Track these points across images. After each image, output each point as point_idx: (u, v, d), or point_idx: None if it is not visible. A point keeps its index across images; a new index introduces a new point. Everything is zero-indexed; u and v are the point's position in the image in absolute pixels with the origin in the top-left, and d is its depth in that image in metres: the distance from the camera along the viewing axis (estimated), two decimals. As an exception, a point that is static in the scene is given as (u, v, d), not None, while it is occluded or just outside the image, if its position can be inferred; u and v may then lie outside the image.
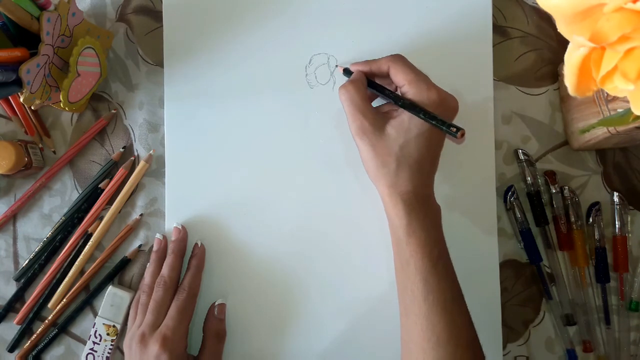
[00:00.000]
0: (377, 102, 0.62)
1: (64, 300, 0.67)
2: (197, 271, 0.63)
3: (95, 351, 0.65)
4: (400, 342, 0.56)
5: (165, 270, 0.62)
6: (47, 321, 0.67)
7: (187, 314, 0.60)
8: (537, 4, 0.43)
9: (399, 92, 0.59)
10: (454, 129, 0.53)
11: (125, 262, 0.67)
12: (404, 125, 0.55)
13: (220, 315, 0.64)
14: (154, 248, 0.65)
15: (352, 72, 0.61)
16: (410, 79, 0.56)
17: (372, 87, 0.60)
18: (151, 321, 0.59)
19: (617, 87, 0.41)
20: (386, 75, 0.59)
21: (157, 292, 0.61)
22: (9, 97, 0.68)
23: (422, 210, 0.55)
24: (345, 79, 0.62)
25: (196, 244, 0.65)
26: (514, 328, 0.66)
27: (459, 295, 0.54)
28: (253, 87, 0.66)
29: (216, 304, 0.64)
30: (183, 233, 0.65)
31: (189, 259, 0.65)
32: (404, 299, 0.55)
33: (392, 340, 0.63)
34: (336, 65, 0.66)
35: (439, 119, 0.54)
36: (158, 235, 0.65)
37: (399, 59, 0.58)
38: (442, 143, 0.58)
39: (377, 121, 0.56)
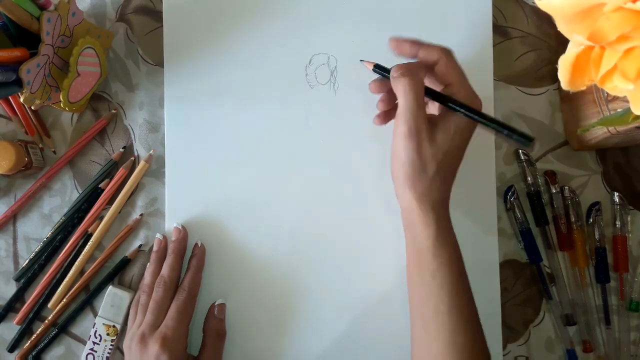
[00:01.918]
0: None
1: (64, 300, 0.67)
2: (197, 271, 0.63)
3: (95, 351, 0.65)
4: (413, 349, 0.55)
5: (165, 270, 0.62)
6: (47, 321, 0.67)
7: (187, 314, 0.60)
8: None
9: (433, 86, 0.55)
10: (524, 139, 0.50)
11: (125, 262, 0.67)
12: (450, 132, 0.52)
13: (220, 315, 0.64)
14: (154, 248, 0.65)
15: (384, 69, 0.56)
16: (462, 79, 0.53)
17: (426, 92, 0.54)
18: (151, 321, 0.59)
19: (617, 86, 0.41)
20: (429, 66, 0.54)
21: (157, 292, 0.61)
22: (9, 97, 0.68)
23: (448, 220, 0.54)
24: (374, 75, 0.58)
25: (196, 244, 0.65)
26: (514, 328, 0.66)
27: (476, 313, 0.53)
28: (253, 87, 0.66)
29: (216, 303, 0.64)
30: (183, 233, 0.65)
31: (189, 259, 0.65)
32: (423, 313, 0.53)
33: (392, 340, 0.63)
34: (361, 60, 0.59)
35: (509, 127, 0.50)
36: (158, 235, 0.65)
37: (451, 53, 0.54)
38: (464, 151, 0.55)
39: (429, 123, 0.52)
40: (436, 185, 0.52)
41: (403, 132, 0.51)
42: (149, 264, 0.65)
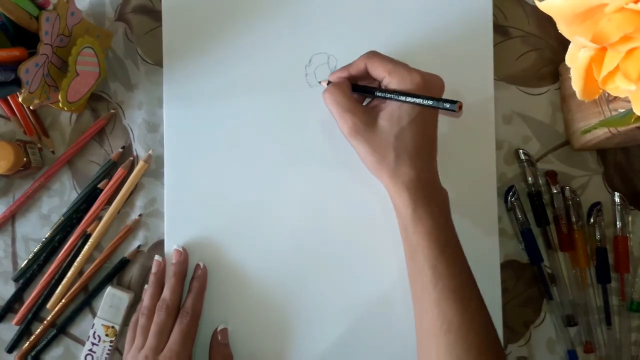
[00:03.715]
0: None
1: (63, 300, 0.66)
2: (199, 293, 0.63)
3: (94, 352, 0.65)
4: (415, 330, 0.56)
5: (166, 293, 0.62)
6: (45, 322, 0.67)
7: (190, 337, 0.60)
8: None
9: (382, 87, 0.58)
10: (449, 104, 0.52)
11: (124, 263, 0.67)
12: (395, 114, 0.55)
13: (224, 340, 0.63)
14: (153, 270, 0.64)
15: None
16: (389, 68, 0.56)
17: (357, 91, 0.59)
18: (154, 345, 0.58)
19: (619, 87, 0.41)
20: (366, 75, 0.58)
21: (159, 315, 0.60)
22: (8, 97, 0.68)
23: (427, 196, 0.54)
24: None
25: (198, 265, 0.64)
26: (514, 329, 0.66)
27: (469, 280, 0.54)
28: (253, 87, 0.66)
29: (218, 329, 0.63)
30: (184, 256, 0.65)
31: (190, 280, 0.64)
32: (415, 288, 0.55)
33: (395, 343, 0.63)
34: (319, 82, 0.65)
35: (432, 97, 0.53)
36: (157, 257, 0.65)
37: (373, 54, 0.58)
38: (436, 124, 0.57)
39: (368, 117, 0.56)
40: (404, 165, 0.54)
41: (346, 135, 0.57)
42: (147, 286, 0.64)
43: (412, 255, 0.55)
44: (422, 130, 0.55)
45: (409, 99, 0.54)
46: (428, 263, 0.53)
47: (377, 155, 0.55)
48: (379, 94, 0.57)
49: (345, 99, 0.57)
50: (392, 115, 0.55)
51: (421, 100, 0.53)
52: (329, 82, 0.61)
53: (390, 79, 0.56)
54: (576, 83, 0.44)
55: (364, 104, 0.61)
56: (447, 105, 0.52)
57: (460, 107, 0.52)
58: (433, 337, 0.52)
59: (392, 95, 0.55)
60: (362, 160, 0.57)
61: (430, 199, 0.54)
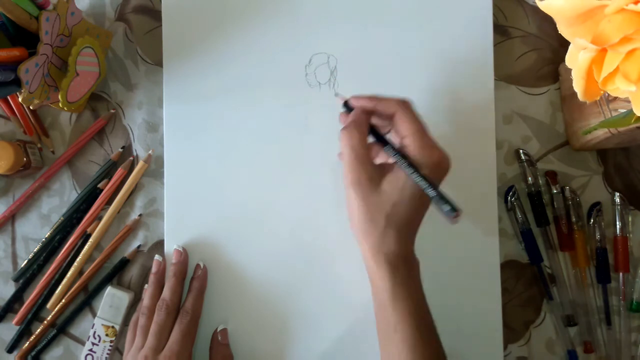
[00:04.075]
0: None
1: (63, 300, 0.66)
2: (199, 293, 0.63)
3: (94, 352, 0.65)
4: None
5: (166, 293, 0.62)
6: (45, 322, 0.67)
7: (190, 337, 0.60)
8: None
9: (393, 139, 0.55)
10: (449, 208, 0.50)
11: (124, 263, 0.67)
12: (400, 183, 0.51)
13: (224, 340, 0.63)
14: (153, 270, 0.65)
15: (351, 107, 0.56)
16: (417, 129, 0.52)
17: (374, 135, 0.55)
18: (154, 345, 0.58)
19: (619, 88, 0.41)
20: (387, 118, 0.55)
21: (159, 315, 0.60)
22: (8, 97, 0.68)
23: (406, 271, 0.52)
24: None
25: (198, 265, 0.64)
26: (514, 329, 0.66)
27: (443, 356, 0.53)
28: (253, 87, 0.66)
29: (218, 330, 0.64)
30: (184, 256, 0.65)
31: (190, 280, 0.64)
32: None
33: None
34: (336, 95, 0.61)
35: (437, 190, 0.50)
36: (157, 257, 0.65)
37: (408, 105, 0.54)
38: (429, 204, 0.54)
39: (374, 174, 0.52)
40: (389, 239, 0.51)
41: (347, 181, 0.53)
42: (147, 285, 0.64)
43: (388, 333, 0.52)
44: (418, 208, 0.52)
45: (416, 177, 0.51)
46: (407, 344, 0.51)
47: (367, 216, 0.51)
48: (390, 152, 0.53)
49: (362, 147, 0.53)
50: (397, 182, 0.51)
51: (426, 186, 0.50)
52: (345, 103, 0.57)
53: (412, 142, 0.52)
54: (577, 84, 0.44)
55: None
56: (447, 209, 0.50)
57: (457, 216, 0.50)
58: None
59: (401, 162, 0.52)
60: (350, 213, 0.53)
61: (408, 275, 0.52)
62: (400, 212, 0.51)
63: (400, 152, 0.52)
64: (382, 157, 0.55)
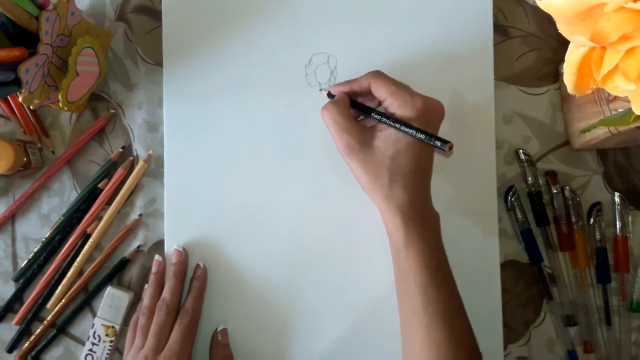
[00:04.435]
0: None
1: (63, 300, 0.66)
2: (199, 293, 0.63)
3: (94, 352, 0.65)
4: (402, 352, 0.56)
5: (166, 293, 0.62)
6: (45, 322, 0.67)
7: (191, 337, 0.60)
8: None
9: (382, 107, 0.58)
10: (440, 142, 0.53)
11: (124, 263, 0.67)
12: (392, 137, 0.55)
13: (224, 340, 0.63)
14: (153, 270, 0.65)
15: (335, 94, 0.61)
16: (392, 90, 0.56)
17: (355, 107, 0.60)
18: (154, 345, 0.58)
19: (618, 86, 0.41)
20: (368, 93, 0.59)
21: (159, 315, 0.60)
22: (8, 97, 0.68)
23: (420, 220, 0.54)
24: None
25: (198, 265, 0.64)
26: (514, 329, 0.66)
27: (458, 305, 0.54)
28: (253, 87, 0.66)
29: (218, 330, 0.64)
30: (184, 256, 0.65)
31: (190, 280, 0.64)
32: (404, 310, 0.55)
33: (395, 344, 0.63)
34: (320, 90, 0.65)
35: (425, 132, 0.54)
36: (157, 257, 0.65)
37: (378, 74, 0.58)
38: (433, 151, 0.58)
39: (364, 137, 0.56)
40: (397, 188, 0.54)
41: (341, 154, 0.57)
42: (147, 285, 0.64)
43: (402, 279, 0.55)
44: (418, 155, 0.55)
45: (403, 127, 0.54)
46: (419, 287, 0.53)
47: (371, 175, 0.55)
48: (375, 116, 0.57)
49: (343, 117, 0.57)
50: (389, 137, 0.55)
51: (414, 132, 0.54)
52: (329, 93, 0.61)
53: (392, 101, 0.56)
54: (568, 78, 0.44)
55: (358, 119, 0.61)
56: (438, 144, 0.53)
57: (450, 148, 0.53)
58: None
59: (387, 120, 0.56)
60: (357, 180, 0.57)
61: (422, 223, 0.55)
62: (400, 163, 0.55)
63: (384, 113, 0.57)
64: (371, 123, 0.59)
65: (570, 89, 0.44)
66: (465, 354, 0.53)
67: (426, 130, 0.54)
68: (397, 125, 0.55)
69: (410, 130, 0.54)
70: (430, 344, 0.52)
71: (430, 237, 0.55)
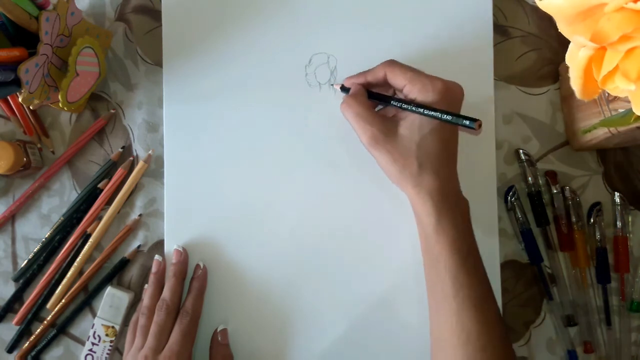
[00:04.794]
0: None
1: (63, 300, 0.66)
2: (199, 294, 0.63)
3: (94, 352, 0.65)
4: (430, 338, 0.56)
5: (166, 293, 0.62)
6: (45, 322, 0.67)
7: (191, 337, 0.60)
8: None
9: (400, 96, 0.58)
10: (468, 121, 0.52)
11: (124, 263, 0.67)
12: (416, 123, 0.55)
13: (224, 340, 0.63)
14: (153, 270, 0.64)
15: (349, 87, 0.61)
16: (410, 76, 0.56)
17: (372, 98, 0.59)
18: (154, 345, 0.58)
19: (618, 87, 0.41)
20: (383, 83, 0.59)
21: (159, 315, 0.60)
22: (8, 97, 0.68)
23: (451, 206, 0.54)
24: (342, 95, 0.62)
25: (198, 265, 0.64)
26: (514, 329, 0.66)
27: (489, 292, 0.54)
28: (253, 87, 0.66)
29: (218, 330, 0.63)
30: (184, 256, 0.65)
31: (190, 281, 0.64)
32: (435, 296, 0.55)
33: (397, 342, 0.63)
34: (332, 85, 0.65)
35: (451, 113, 0.53)
36: (157, 257, 0.65)
37: (393, 62, 0.58)
38: (457, 134, 0.57)
39: (387, 126, 0.56)
40: (427, 174, 0.54)
41: (366, 144, 0.57)
42: (147, 285, 0.64)
43: (433, 264, 0.55)
44: (444, 139, 0.55)
45: (427, 111, 0.54)
46: (449, 273, 0.53)
47: (398, 164, 0.55)
48: (395, 103, 0.57)
49: (364, 109, 0.57)
50: (413, 123, 0.55)
51: (439, 114, 0.53)
52: (342, 87, 0.61)
53: (411, 87, 0.55)
54: (575, 82, 0.44)
55: (376, 109, 0.61)
56: (467, 123, 0.52)
57: (480, 126, 0.52)
58: (451, 347, 0.52)
59: (409, 106, 0.55)
60: (384, 170, 0.57)
61: (453, 209, 0.54)
62: (427, 149, 0.54)
63: (405, 100, 0.56)
64: (392, 112, 0.59)
65: (578, 94, 0.44)
66: (495, 342, 0.52)
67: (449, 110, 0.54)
68: (421, 110, 0.54)
69: (435, 113, 0.53)
70: (461, 330, 0.52)
71: (461, 223, 0.55)
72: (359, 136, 0.57)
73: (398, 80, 0.56)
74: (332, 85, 0.65)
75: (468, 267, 0.53)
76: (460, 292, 0.52)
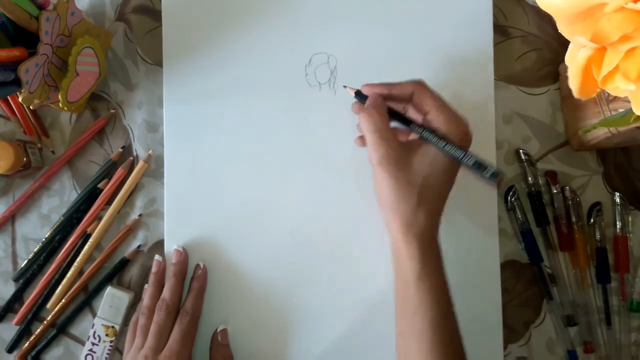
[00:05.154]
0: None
1: (63, 300, 0.66)
2: (199, 293, 0.63)
3: (94, 352, 0.65)
4: None
5: (166, 293, 0.62)
6: (45, 322, 0.67)
7: (190, 337, 0.60)
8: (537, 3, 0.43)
9: (416, 119, 0.55)
10: (490, 173, 0.50)
11: (124, 263, 0.67)
12: (430, 155, 0.51)
13: (224, 340, 0.63)
14: (153, 270, 0.64)
15: (365, 95, 0.56)
16: (438, 105, 0.52)
17: (391, 114, 0.55)
18: (154, 345, 0.58)
19: (618, 87, 0.41)
20: (406, 100, 0.55)
21: (159, 315, 0.60)
22: (8, 97, 0.68)
23: (435, 253, 0.52)
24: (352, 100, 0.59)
25: (198, 265, 0.64)
26: (514, 329, 0.66)
27: (461, 342, 0.53)
28: (252, 87, 0.66)
29: (218, 330, 0.64)
30: (184, 256, 0.65)
31: (190, 280, 0.64)
32: (406, 346, 0.52)
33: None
34: (344, 86, 0.59)
35: (476, 157, 0.50)
36: (157, 257, 0.65)
37: (424, 83, 0.54)
38: (454, 178, 0.54)
39: (402, 152, 0.52)
40: (421, 216, 0.51)
41: (375, 161, 0.52)
42: (147, 285, 0.64)
43: (409, 314, 0.52)
44: (448, 180, 0.53)
45: (448, 147, 0.51)
46: (427, 327, 0.50)
47: (398, 194, 0.51)
48: (417, 129, 0.53)
49: (384, 125, 0.52)
50: (427, 155, 0.52)
51: (461, 154, 0.50)
52: (357, 92, 0.57)
53: (437, 116, 0.52)
54: (573, 81, 0.44)
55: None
56: (488, 174, 0.50)
57: (502, 181, 0.50)
58: None
59: (432, 136, 0.51)
60: (379, 192, 0.53)
61: (437, 256, 0.52)
62: (431, 187, 0.51)
63: (428, 127, 0.52)
64: (404, 138, 0.56)
65: (576, 93, 0.44)
66: None
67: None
68: (443, 144, 0.51)
69: (458, 153, 0.50)
70: None
71: (440, 271, 0.52)
72: (369, 149, 0.53)
73: (425, 103, 0.53)
74: (344, 86, 0.59)
75: (449, 320, 0.51)
76: (437, 348, 0.50)
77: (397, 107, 0.56)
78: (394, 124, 0.55)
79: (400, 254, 0.52)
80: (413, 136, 0.56)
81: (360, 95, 0.57)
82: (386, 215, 0.53)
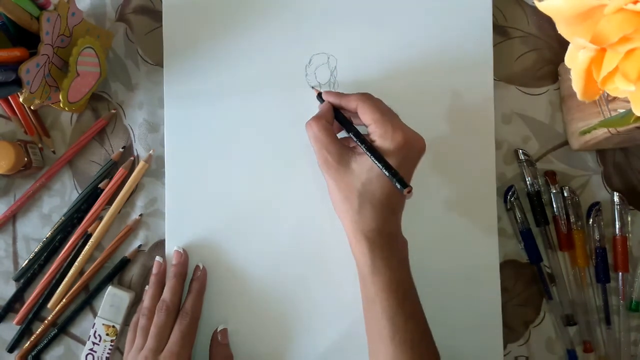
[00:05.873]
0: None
1: (64, 300, 0.67)
2: (199, 295, 0.63)
3: (95, 351, 0.65)
4: None
5: (166, 294, 0.62)
6: (46, 321, 0.67)
7: (190, 338, 0.60)
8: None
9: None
10: (399, 184, 0.53)
11: (125, 263, 0.67)
12: (368, 163, 0.55)
13: (224, 340, 0.64)
14: (154, 271, 0.65)
15: (322, 100, 0.61)
16: (377, 118, 0.55)
17: (339, 120, 0.60)
18: (154, 346, 0.58)
19: (618, 87, 0.41)
20: (355, 113, 0.58)
21: (159, 316, 0.60)
22: (9, 97, 0.68)
23: (387, 248, 0.54)
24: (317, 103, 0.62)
25: (197, 266, 0.65)
26: (514, 328, 0.66)
27: (426, 334, 0.54)
28: (253, 87, 0.66)
29: (218, 330, 0.64)
30: (184, 257, 0.65)
31: (190, 282, 0.64)
32: (372, 338, 0.55)
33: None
34: (312, 87, 0.65)
35: (391, 169, 0.53)
36: (158, 259, 0.65)
37: (367, 97, 0.57)
38: None
39: (342, 156, 0.56)
40: (366, 214, 0.54)
41: (320, 166, 0.57)
42: (147, 286, 0.65)
43: (369, 306, 0.55)
44: (389, 187, 0.54)
45: (372, 158, 0.54)
46: (386, 315, 0.52)
47: (342, 195, 0.55)
48: (353, 137, 0.57)
49: (324, 134, 0.57)
50: (365, 162, 0.55)
51: (380, 165, 0.54)
52: (319, 94, 0.62)
53: (374, 128, 0.55)
54: (576, 84, 0.44)
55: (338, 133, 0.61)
56: (398, 185, 0.53)
57: (409, 192, 0.53)
58: None
59: (362, 146, 0.55)
60: (330, 196, 0.58)
61: (389, 250, 0.54)
62: (372, 190, 0.54)
63: (360, 138, 0.56)
64: (353, 144, 0.59)
65: (579, 96, 0.44)
66: None
67: (401, 164, 0.54)
68: (369, 154, 0.54)
69: (378, 163, 0.54)
70: None
71: (397, 265, 0.54)
72: (315, 156, 0.57)
73: (366, 117, 0.56)
74: (312, 87, 0.65)
75: (405, 310, 0.53)
76: (397, 335, 0.52)
77: (352, 117, 0.60)
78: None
79: (353, 250, 0.56)
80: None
81: (321, 98, 0.61)
82: (338, 215, 0.57)
